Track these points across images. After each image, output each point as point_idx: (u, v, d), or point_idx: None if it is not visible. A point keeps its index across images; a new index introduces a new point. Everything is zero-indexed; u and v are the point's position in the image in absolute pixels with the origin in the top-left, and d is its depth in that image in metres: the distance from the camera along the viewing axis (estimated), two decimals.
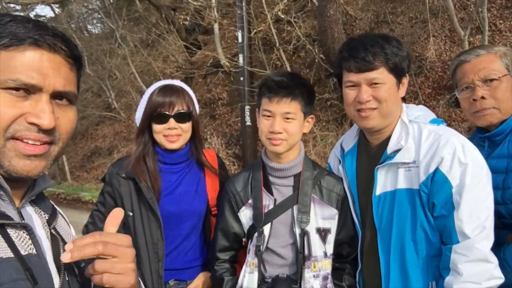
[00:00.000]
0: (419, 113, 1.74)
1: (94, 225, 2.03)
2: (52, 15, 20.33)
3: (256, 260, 1.81)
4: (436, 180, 1.57)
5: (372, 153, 1.79)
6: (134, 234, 1.95)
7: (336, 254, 1.87)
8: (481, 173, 1.56)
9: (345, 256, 1.89)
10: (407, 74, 1.72)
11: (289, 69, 9.72)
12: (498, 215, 1.58)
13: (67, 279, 0.93)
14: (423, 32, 9.25)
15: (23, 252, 0.84)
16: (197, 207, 1.99)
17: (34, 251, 0.87)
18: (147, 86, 2.05)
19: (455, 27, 7.77)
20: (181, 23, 12.99)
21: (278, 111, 1.75)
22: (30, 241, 0.87)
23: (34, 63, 0.85)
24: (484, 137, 1.82)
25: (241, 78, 9.41)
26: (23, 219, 0.89)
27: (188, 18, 13.06)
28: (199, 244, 2.04)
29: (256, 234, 1.82)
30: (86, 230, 2.04)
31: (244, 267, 1.85)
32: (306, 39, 9.55)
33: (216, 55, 11.59)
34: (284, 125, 1.76)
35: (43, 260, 0.88)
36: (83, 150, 15.76)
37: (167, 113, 1.91)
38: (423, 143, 1.63)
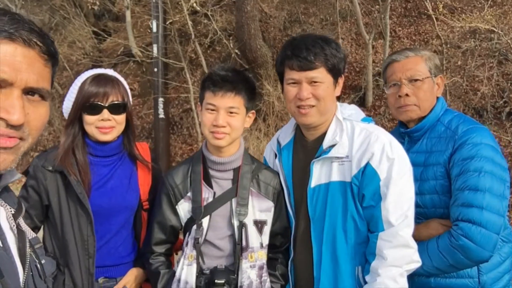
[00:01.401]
0: (352, 111, 1.88)
1: None
2: None
3: (194, 253, 1.82)
4: (367, 174, 1.71)
5: (308, 148, 1.89)
6: (61, 230, 1.85)
7: (270, 245, 1.94)
8: (405, 168, 1.73)
9: (278, 246, 1.97)
10: (342, 75, 1.84)
11: (204, 62, 9.69)
12: (414, 204, 1.77)
13: (31, 273, 0.94)
14: (332, 34, 9.77)
15: None
16: (129, 201, 1.94)
17: (0, 244, 0.87)
18: (86, 71, 1.93)
19: (361, 31, 8.35)
20: (89, 7, 12.26)
21: (222, 105, 1.78)
22: None
23: (6, 57, 0.83)
24: (404, 133, 2.02)
25: (155, 69, 9.17)
26: None
27: (97, 2, 12.36)
28: (130, 239, 1.98)
29: (194, 227, 1.83)
30: None
31: (182, 259, 1.85)
32: (222, 33, 9.58)
33: (128, 44, 11.15)
34: (228, 119, 1.79)
35: (9, 253, 0.88)
36: None
37: (100, 103, 1.83)
38: (356, 139, 1.77)
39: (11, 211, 0.96)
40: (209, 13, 9.39)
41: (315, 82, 1.75)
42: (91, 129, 1.85)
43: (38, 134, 0.92)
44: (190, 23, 9.34)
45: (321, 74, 1.75)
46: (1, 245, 0.87)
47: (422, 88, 1.94)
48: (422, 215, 1.89)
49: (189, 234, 1.86)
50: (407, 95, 1.95)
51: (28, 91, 0.87)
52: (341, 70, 1.82)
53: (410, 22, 9.67)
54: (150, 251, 1.93)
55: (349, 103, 7.90)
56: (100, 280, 1.90)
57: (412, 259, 1.68)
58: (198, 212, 1.84)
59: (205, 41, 9.70)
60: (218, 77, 1.79)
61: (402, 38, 9.43)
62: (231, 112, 1.79)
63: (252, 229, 1.86)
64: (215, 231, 1.85)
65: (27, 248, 0.95)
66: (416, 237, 1.75)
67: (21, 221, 0.98)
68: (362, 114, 1.89)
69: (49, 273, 1.01)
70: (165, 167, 8.65)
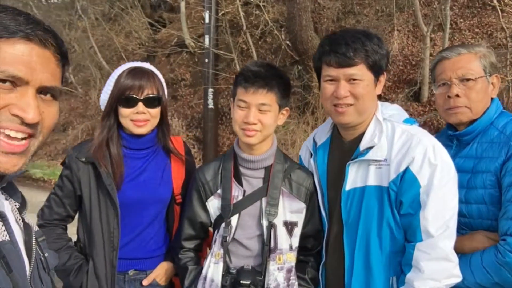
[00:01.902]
0: (394, 112, 1.75)
1: (49, 208, 1.94)
2: None
3: (221, 251, 1.78)
4: (406, 179, 1.59)
5: (344, 148, 1.79)
6: (90, 220, 1.88)
7: (301, 247, 1.88)
8: (449, 175, 1.59)
9: (309, 249, 1.90)
10: (384, 72, 1.72)
11: (254, 53, 9.67)
12: (458, 213, 1.63)
13: (36, 266, 0.95)
14: (388, 26, 9.43)
15: None
16: (162, 194, 1.94)
17: (8, 238, 0.88)
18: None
19: (419, 22, 7.97)
20: None
21: (253, 102, 1.72)
22: (3, 228, 0.88)
23: (23, 56, 0.85)
24: (453, 136, 1.87)
25: (206, 60, 9.27)
26: None
27: None
28: (162, 233, 1.98)
29: (223, 225, 1.80)
30: (42, 213, 1.96)
31: (209, 257, 1.82)
32: (273, 24, 9.50)
33: (181, 35, 11.34)
34: (259, 116, 1.73)
35: (17, 246, 0.90)
36: None
37: (136, 96, 1.83)
38: (396, 142, 1.65)
39: (16, 205, 0.98)
40: (261, 4, 9.33)
41: (354, 79, 1.64)
42: (126, 122, 1.86)
43: (49, 133, 0.94)
44: (242, 14, 9.33)
45: (360, 71, 1.64)
46: (9, 239, 0.88)
47: (475, 88, 1.77)
48: (466, 226, 1.74)
49: (217, 232, 1.83)
50: (457, 95, 1.79)
51: (41, 91, 0.89)
52: (383, 67, 1.69)
53: (473, 13, 9.11)
54: (180, 246, 1.91)
55: (403, 98, 7.62)
56: (130, 272, 1.92)
57: (451, 273, 1.56)
58: (227, 210, 1.80)
59: (255, 32, 9.65)
60: (250, 73, 1.73)
61: (463, 31, 8.92)
62: (263, 109, 1.73)
63: (281, 230, 1.80)
64: (243, 230, 1.81)
65: (33, 241, 0.96)
66: (458, 249, 1.62)
67: (25, 214, 0.99)
68: (405, 115, 1.76)
69: (52, 266, 1.02)
70: (213, 156, 8.75)
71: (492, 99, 1.83)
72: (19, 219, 0.96)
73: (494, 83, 1.83)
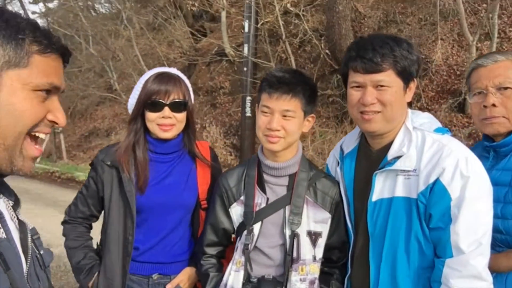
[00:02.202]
0: (425, 120, 1.67)
1: (75, 206, 2.00)
2: None
3: (243, 259, 1.76)
4: (436, 191, 1.51)
5: (372, 157, 1.73)
6: (107, 222, 1.92)
7: (325, 258, 1.82)
8: (482, 188, 1.50)
9: (334, 261, 1.84)
10: (415, 79, 1.65)
11: (293, 62, 9.64)
12: (494, 229, 1.53)
13: (33, 263, 0.96)
14: (431, 35, 9.16)
15: None
16: (186, 199, 1.93)
17: (4, 235, 0.89)
18: (150, 70, 1.98)
19: (464, 31, 7.68)
20: (188, 8, 12.86)
21: (277, 108, 1.69)
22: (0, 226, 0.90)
23: (59, 69, 0.96)
24: (489, 147, 1.76)
25: (245, 69, 9.33)
26: None
27: (196, 4, 12.92)
28: (187, 238, 1.98)
29: (245, 232, 1.77)
30: (68, 210, 2.02)
31: (230, 264, 1.80)
32: (313, 33, 9.46)
33: (221, 44, 11.50)
34: (282, 122, 1.69)
35: (13, 244, 0.91)
36: (81, 130, 15.71)
37: (162, 101, 1.84)
38: (426, 151, 1.57)
39: (9, 202, 0.99)
40: (300, 13, 9.31)
41: (382, 86, 1.58)
42: (152, 126, 1.88)
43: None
44: (281, 23, 9.35)
45: (388, 77, 1.57)
46: (5, 236, 0.89)
47: None
48: (503, 243, 1.63)
49: (239, 239, 1.81)
50: (494, 105, 1.69)
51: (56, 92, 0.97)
52: (413, 74, 1.62)
53: None
54: (202, 252, 1.90)
55: (446, 108, 7.36)
56: (155, 276, 1.92)
57: None
58: (249, 217, 1.77)
59: (294, 41, 9.63)
60: (274, 79, 1.70)
61: None
62: (287, 116, 1.69)
63: (305, 240, 1.75)
64: (266, 238, 1.77)
65: (29, 238, 0.97)
66: (493, 267, 1.52)
67: (19, 212, 1.01)
68: (437, 124, 1.67)
69: (48, 263, 1.04)
70: None
71: None
72: (14, 217, 0.98)
73: None
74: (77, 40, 15.70)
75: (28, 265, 0.94)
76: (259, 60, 9.50)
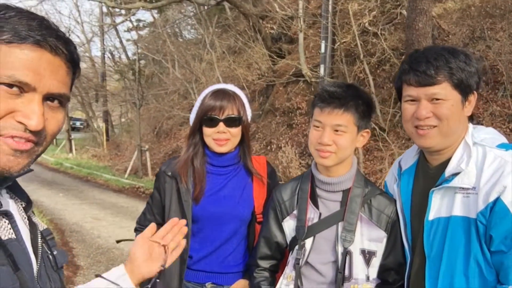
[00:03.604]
0: (487, 136, 1.57)
1: (144, 215, 2.15)
2: (151, 19, 21.80)
3: (293, 273, 1.75)
4: (496, 211, 1.40)
5: (429, 174, 1.65)
6: None
7: (382, 280, 1.76)
8: None
9: (391, 283, 1.76)
10: (475, 92, 1.57)
11: (371, 81, 9.44)
12: None
13: (43, 264, 0.95)
14: None
15: (3, 238, 0.86)
16: (240, 212, 1.98)
17: (14, 236, 0.88)
18: (209, 87, 2.09)
19: None
20: (267, 31, 13.20)
21: (328, 122, 1.69)
22: (9, 227, 0.89)
23: (32, 62, 0.84)
24: None
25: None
26: (1, 206, 0.90)
27: (274, 27, 13.24)
28: (242, 250, 2.02)
29: (297, 247, 1.77)
30: (139, 219, 2.18)
31: (281, 278, 1.80)
32: (392, 52, 9.21)
33: (298, 65, 11.60)
34: (334, 137, 1.68)
35: (23, 244, 0.90)
36: (165, 148, 16.57)
37: (217, 117, 1.93)
38: (486, 168, 1.47)
39: (21, 204, 0.99)
40: (379, 32, 9.14)
41: (437, 99, 1.51)
42: (208, 140, 1.97)
43: (52, 140, 0.93)
44: (359, 42, 9.24)
45: (444, 90, 1.51)
46: (15, 237, 0.88)
47: None
48: None
49: (291, 254, 1.81)
50: None
51: (49, 97, 0.88)
52: (473, 86, 1.53)
53: None
54: (255, 264, 1.93)
55: None
56: (208, 285, 1.98)
57: None
58: (301, 232, 1.77)
59: (372, 60, 9.44)
60: (326, 94, 1.70)
61: None
62: (338, 130, 1.68)
63: (358, 259, 1.71)
64: (318, 254, 1.75)
65: (39, 239, 0.96)
66: None
67: (31, 214, 1.01)
68: (501, 139, 1.56)
69: (61, 264, 1.02)
70: None
71: None
72: (25, 218, 0.97)
73: None
74: (164, 64, 16.77)
75: (38, 266, 0.93)
76: (336, 80, 9.43)
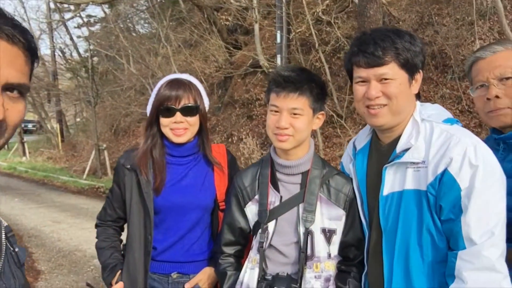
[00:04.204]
0: (433, 112, 1.65)
1: (104, 210, 2.13)
2: (103, 15, 21.17)
3: (258, 257, 1.78)
4: (444, 182, 1.48)
5: (382, 152, 1.72)
6: (129, 224, 2.01)
7: (342, 257, 1.82)
8: (493, 177, 1.46)
9: (351, 259, 1.82)
10: (420, 71, 1.64)
11: (327, 70, 9.61)
12: (509, 223, 1.47)
13: (7, 260, 0.94)
14: (469, 35, 8.87)
15: None
16: (202, 200, 1.99)
17: None
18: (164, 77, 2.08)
19: (504, 29, 7.39)
20: (222, 23, 13.14)
21: (284, 106, 1.72)
22: None
23: None
24: (498, 139, 1.71)
25: None
26: None
27: (229, 19, 13.19)
28: (205, 238, 2.04)
29: (260, 231, 1.80)
30: (99, 214, 2.16)
31: (246, 262, 1.83)
32: (346, 40, 9.40)
33: (255, 56, 11.63)
34: (291, 120, 1.72)
35: None
36: (124, 146, 16.23)
37: (173, 106, 1.92)
38: (434, 142, 1.55)
39: None
40: (332, 20, 9.30)
41: (386, 79, 1.58)
42: (166, 131, 1.96)
43: (14, 131, 0.91)
44: (314, 31, 9.37)
45: (392, 70, 1.57)
46: None
47: None
48: None
49: (255, 238, 1.84)
50: (497, 97, 1.65)
51: (8, 87, 0.86)
52: (418, 65, 1.61)
53: None
54: (220, 251, 1.94)
55: None
56: (174, 275, 1.99)
57: (500, 286, 1.40)
58: (263, 216, 1.80)
59: (327, 49, 9.61)
60: (281, 78, 1.73)
61: None
62: (295, 114, 1.72)
63: (319, 238, 1.76)
64: (280, 236, 1.79)
65: (3, 236, 0.95)
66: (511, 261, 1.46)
67: None
68: (446, 115, 1.65)
69: (23, 260, 1.01)
70: None
71: None
72: None
73: None
74: (118, 60, 16.37)
75: (2, 263, 0.92)
76: (289, 65, 9.53)
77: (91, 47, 17.60)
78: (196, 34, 13.63)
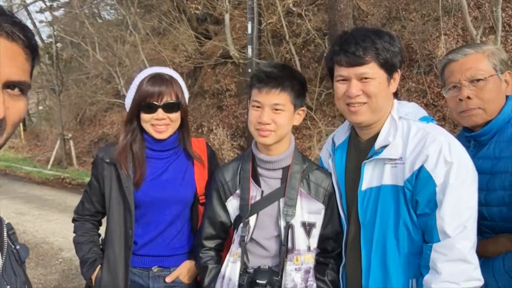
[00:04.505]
0: (410, 110, 1.72)
1: (82, 204, 2.11)
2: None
3: (239, 250, 1.81)
4: (421, 178, 1.56)
5: (361, 148, 1.78)
6: (108, 218, 2.00)
7: (321, 249, 1.87)
8: (466, 173, 1.54)
9: (329, 251, 1.88)
10: (399, 70, 1.70)
11: (297, 62, 9.69)
12: (480, 216, 1.57)
13: (9, 258, 0.95)
14: (435, 30, 9.14)
15: None
16: (182, 194, 2.00)
17: None
18: (145, 70, 2.05)
19: (467, 26, 7.65)
20: (192, 12, 12.98)
21: (267, 102, 1.75)
22: None
23: None
24: (469, 137, 1.80)
25: (249, 70, 9.40)
26: None
27: (199, 7, 13.03)
28: (186, 232, 2.05)
29: (241, 225, 1.83)
30: (76, 209, 2.13)
31: (227, 256, 1.86)
32: (316, 32, 9.50)
33: (226, 46, 11.58)
34: (273, 116, 1.75)
35: None
36: (90, 136, 15.89)
37: (155, 103, 1.91)
38: (411, 140, 1.62)
39: None
40: (303, 12, 9.36)
41: (366, 78, 1.63)
42: (147, 127, 1.95)
43: (14, 129, 0.90)
44: (284, 23, 9.41)
45: (371, 69, 1.63)
46: None
47: (486, 88, 1.71)
48: (490, 229, 1.67)
49: (236, 231, 1.87)
50: (468, 97, 1.74)
51: (9, 85, 0.85)
52: (397, 65, 1.67)
53: None
54: (201, 245, 1.96)
55: None
56: (154, 268, 1.99)
57: (471, 276, 1.49)
58: (245, 210, 1.83)
59: (297, 41, 9.68)
60: (263, 74, 1.76)
61: None
62: (276, 109, 1.75)
63: (299, 231, 1.80)
64: (261, 230, 1.83)
65: (5, 233, 0.96)
66: (482, 253, 1.57)
67: None
68: (422, 113, 1.72)
69: (24, 258, 1.02)
70: None
71: (507, 97, 1.76)
72: None
73: (508, 80, 1.76)
74: (84, 47, 15.90)
75: (3, 260, 0.92)
76: (263, 61, 9.55)
77: (55, 33, 16.96)
78: (165, 22, 13.40)
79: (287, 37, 9.49)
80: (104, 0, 18.46)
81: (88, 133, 16.30)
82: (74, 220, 2.11)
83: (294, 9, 9.81)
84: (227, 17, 11.45)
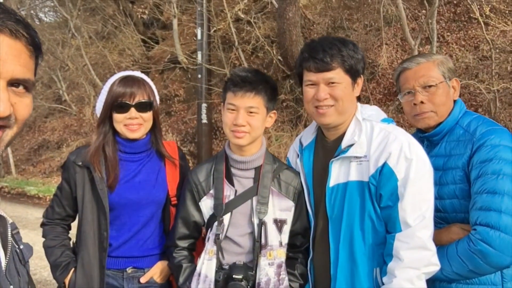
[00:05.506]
0: (372, 112, 1.88)
1: (52, 208, 2.08)
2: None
3: (215, 248, 1.88)
4: (384, 173, 1.71)
5: (328, 147, 1.91)
6: (81, 221, 2.00)
7: (290, 244, 1.97)
8: (424, 168, 1.71)
9: (298, 246, 1.99)
10: (361, 76, 1.86)
11: None
12: (434, 209, 1.73)
13: (13, 258, 0.95)
14: (376, 40, 9.65)
15: None
16: (156, 196, 2.04)
17: None
18: (101, 79, 2.11)
19: (406, 36, 8.17)
20: (139, 16, 12.79)
21: (242, 105, 1.84)
22: None
23: None
24: (423, 137, 1.99)
25: (199, 76, 9.42)
26: None
27: (146, 12, 12.87)
28: (158, 233, 2.08)
29: (216, 223, 1.89)
30: (46, 213, 2.10)
31: (203, 254, 1.91)
32: (265, 40, 9.70)
33: (174, 51, 11.52)
34: (248, 118, 1.84)
35: None
36: (29, 143, 15.12)
37: (128, 102, 1.95)
38: (374, 139, 1.77)
39: None
40: (252, 20, 9.53)
41: (333, 83, 1.77)
42: (120, 127, 1.97)
43: (23, 124, 0.92)
44: (233, 30, 9.52)
45: (338, 75, 1.77)
46: None
47: (437, 93, 1.91)
48: (443, 220, 1.85)
49: (210, 230, 1.93)
50: (422, 102, 1.93)
51: (13, 83, 0.86)
52: (360, 71, 1.83)
53: (459, 27, 9.36)
54: (174, 245, 2.00)
55: (393, 110, 7.75)
56: (129, 270, 2.01)
57: (430, 261, 1.66)
58: (219, 209, 1.90)
59: (247, 48, 9.83)
60: (238, 78, 1.85)
61: (450, 44, 9.15)
62: (251, 112, 1.84)
63: (271, 228, 1.90)
64: (235, 228, 1.90)
65: (9, 233, 0.95)
66: (437, 242, 1.73)
67: None
68: (383, 115, 1.89)
69: (28, 258, 1.02)
70: None
71: (455, 101, 1.97)
72: None
73: (455, 86, 1.97)
74: None
75: (7, 260, 0.92)
76: (213, 67, 9.62)
77: None
78: (110, 26, 13.10)
79: (236, 43, 9.61)
80: (44, 2, 17.70)
81: (27, 139, 15.50)
82: (43, 224, 2.08)
83: (243, 16, 9.96)
84: (175, 22, 11.40)
